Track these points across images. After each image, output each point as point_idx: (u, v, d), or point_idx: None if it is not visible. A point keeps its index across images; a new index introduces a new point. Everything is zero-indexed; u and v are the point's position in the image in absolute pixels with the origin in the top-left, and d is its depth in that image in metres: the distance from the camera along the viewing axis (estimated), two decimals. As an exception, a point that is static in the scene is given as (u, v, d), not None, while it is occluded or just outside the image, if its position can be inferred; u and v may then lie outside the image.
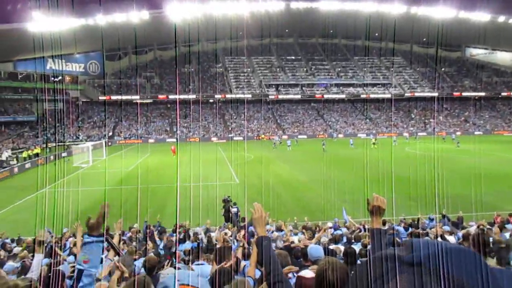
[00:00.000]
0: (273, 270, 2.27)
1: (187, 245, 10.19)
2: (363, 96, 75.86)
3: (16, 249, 11.28)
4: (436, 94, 76.41)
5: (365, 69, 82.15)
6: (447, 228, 11.89)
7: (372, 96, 76.02)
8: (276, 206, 17.82)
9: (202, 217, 16.18)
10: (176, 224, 14.18)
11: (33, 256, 8.84)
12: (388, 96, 75.95)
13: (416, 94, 75.83)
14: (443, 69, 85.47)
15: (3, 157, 40.12)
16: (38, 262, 4.51)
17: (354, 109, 77.47)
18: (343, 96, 77.06)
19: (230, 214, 17.17)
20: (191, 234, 12.56)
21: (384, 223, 11.43)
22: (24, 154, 42.08)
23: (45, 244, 10.91)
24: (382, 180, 19.97)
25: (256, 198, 20.61)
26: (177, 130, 66.22)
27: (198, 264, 5.86)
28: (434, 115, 73.40)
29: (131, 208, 19.47)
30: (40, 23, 51.99)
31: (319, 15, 72.60)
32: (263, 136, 63.22)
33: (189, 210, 17.36)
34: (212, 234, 12.32)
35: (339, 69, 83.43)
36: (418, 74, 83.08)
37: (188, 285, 1.28)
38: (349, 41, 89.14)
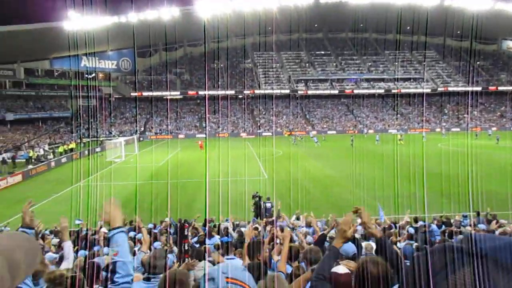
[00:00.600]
0: (322, 272, 2.46)
1: (217, 240, 10.34)
2: (394, 91, 74.37)
3: (54, 241, 11.73)
4: (470, 89, 74.04)
5: (396, 63, 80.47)
6: (482, 226, 11.58)
7: (403, 91, 74.40)
8: (305, 202, 17.79)
9: (232, 212, 16.37)
10: (206, 218, 14.41)
11: (57, 244, 9.18)
12: (420, 91, 74.18)
13: (450, 89, 73.73)
14: (478, 62, 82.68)
15: (41, 152, 41.68)
16: (69, 249, 4.68)
17: (384, 104, 76.10)
18: (373, 91, 75.82)
19: (260, 209, 17.25)
20: (219, 228, 12.72)
21: (416, 221, 11.25)
22: (60, 149, 43.55)
23: (81, 236, 11.30)
24: (413, 176, 19.64)
25: (285, 194, 20.68)
26: (206, 125, 66.88)
27: (229, 258, 5.96)
28: (468, 110, 71.22)
29: (162, 202, 19.89)
30: (75, 21, 53.53)
31: (349, 9, 71.61)
32: (284, 131, 62.95)
33: (219, 205, 17.60)
34: (242, 229, 12.43)
35: (370, 63, 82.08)
36: (451, 68, 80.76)
37: (234, 279, 1.29)
38: (380, 35, 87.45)
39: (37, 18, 56.33)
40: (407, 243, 7.30)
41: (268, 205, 17.10)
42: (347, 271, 2.87)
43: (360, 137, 54.44)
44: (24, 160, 38.40)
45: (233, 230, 12.81)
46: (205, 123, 67.45)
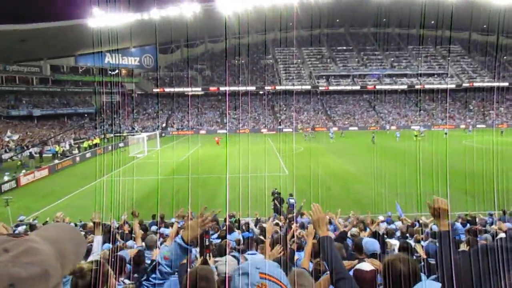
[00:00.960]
0: (336, 268, 2.36)
1: (237, 235, 10.42)
2: (417, 86, 73.15)
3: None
4: (496, 84, 72.08)
5: (419, 58, 79.03)
6: (509, 225, 11.32)
7: (427, 86, 73.10)
8: (325, 198, 17.74)
9: (252, 208, 16.45)
10: (227, 214, 14.52)
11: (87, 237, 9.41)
12: (444, 86, 72.68)
13: (475, 84, 71.96)
14: (505, 57, 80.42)
15: (67, 147, 42.66)
16: (98, 244, 4.79)
17: (407, 100, 74.90)
18: (396, 87, 74.70)
19: (279, 206, 17.30)
20: (240, 223, 12.80)
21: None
22: (85, 144, 44.46)
23: (105, 229, 11.55)
24: (436, 174, 19.31)
25: (306, 190, 20.65)
26: (227, 121, 67.16)
27: (250, 254, 6.03)
28: (494, 107, 69.43)
29: (183, 197, 20.14)
30: (99, 19, 54.46)
31: (371, 3, 70.65)
32: (300, 127, 62.57)
33: (239, 200, 17.71)
34: (264, 225, 12.50)
35: (393, 59, 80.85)
36: (477, 63, 78.84)
37: (268, 275, 1.27)
38: (403, 29, 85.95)
39: (63, 16, 57.57)
40: (430, 241, 7.23)
41: (292, 201, 17.15)
42: (372, 268, 2.89)
43: (382, 134, 53.81)
44: (51, 154, 39.35)
45: (255, 225, 12.90)
46: (226, 119, 67.75)
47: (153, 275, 2.54)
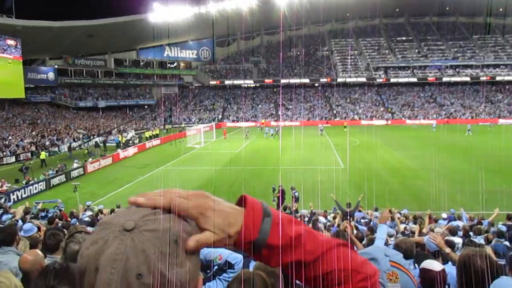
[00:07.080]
0: None
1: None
2: (483, 78, 68.99)
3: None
4: None
5: (486, 48, 74.38)
6: None
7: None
8: (383, 193, 17.39)
9: (306, 200, 16.47)
10: (285, 205, 14.65)
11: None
12: (513, 78, 67.93)
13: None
14: None
15: (128, 137, 44.69)
16: None
17: (472, 92, 70.83)
18: (459, 78, 70.91)
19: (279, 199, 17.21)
20: (295, 216, 12.87)
21: (509, 218, 10.52)
22: (146, 135, 46.37)
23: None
24: (505, 171, 18.31)
25: (362, 184, 20.30)
26: (281, 113, 67.05)
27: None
28: None
29: (239, 187, 20.55)
30: (159, 13, 56.23)
31: (434, -9, 67.33)
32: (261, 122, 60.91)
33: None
34: (321, 218, 12.50)
35: (456, 49, 76.64)
36: (552, 53, 72.91)
37: (398, 263, 1.26)
38: (468, 18, 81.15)
39: (125, 11, 60.14)
40: (497, 240, 6.92)
41: (297, 194, 17.07)
42: (443, 267, 2.82)
43: (440, 127, 51.35)
44: (115, 144, 41.41)
45: (310, 218, 12.94)
46: (280, 111, 67.69)
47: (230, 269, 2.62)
